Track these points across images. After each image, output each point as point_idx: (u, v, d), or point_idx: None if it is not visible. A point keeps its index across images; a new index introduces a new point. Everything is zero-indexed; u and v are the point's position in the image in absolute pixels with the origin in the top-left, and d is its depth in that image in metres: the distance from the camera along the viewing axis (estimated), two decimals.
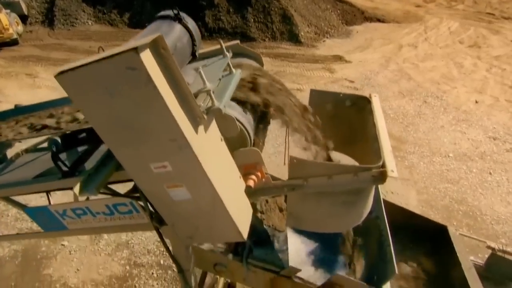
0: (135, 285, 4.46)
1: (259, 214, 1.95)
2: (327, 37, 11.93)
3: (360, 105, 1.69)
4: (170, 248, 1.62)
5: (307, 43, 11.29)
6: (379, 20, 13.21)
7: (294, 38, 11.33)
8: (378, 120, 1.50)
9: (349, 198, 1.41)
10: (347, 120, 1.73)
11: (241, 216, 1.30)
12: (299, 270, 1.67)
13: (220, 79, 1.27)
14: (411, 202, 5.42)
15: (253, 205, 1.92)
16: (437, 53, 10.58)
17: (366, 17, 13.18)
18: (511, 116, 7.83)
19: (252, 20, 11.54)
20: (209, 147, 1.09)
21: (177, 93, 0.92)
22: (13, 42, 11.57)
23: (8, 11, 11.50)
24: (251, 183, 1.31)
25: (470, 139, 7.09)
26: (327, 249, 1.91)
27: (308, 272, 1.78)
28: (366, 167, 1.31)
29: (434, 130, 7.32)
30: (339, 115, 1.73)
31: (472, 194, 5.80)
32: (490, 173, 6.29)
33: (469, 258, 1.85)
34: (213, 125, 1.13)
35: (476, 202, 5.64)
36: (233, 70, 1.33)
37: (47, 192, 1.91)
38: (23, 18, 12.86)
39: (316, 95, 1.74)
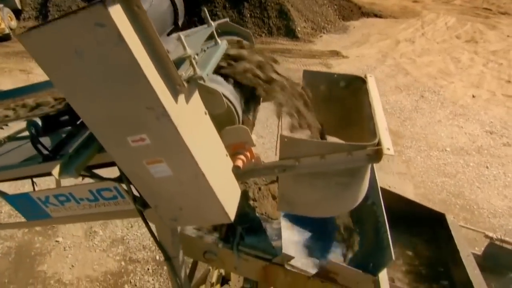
0: (130, 281, 4.41)
1: (251, 202, 1.88)
2: (324, 33, 11.86)
3: (355, 86, 1.62)
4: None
5: (304, 39, 11.22)
6: (376, 16, 13.16)
7: (291, 33, 11.25)
8: (373, 99, 1.44)
9: (343, 180, 1.35)
10: (341, 102, 1.66)
11: (228, 196, 1.22)
12: (292, 258, 1.61)
13: (204, 51, 1.20)
14: (408, 196, 5.37)
15: (245, 193, 1.86)
16: (434, 48, 10.55)
17: (363, 12, 13.12)
18: (507, 110, 7.83)
19: (249, 15, 11.46)
20: (191, 119, 1.02)
21: (153, 57, 0.84)
22: (6, 38, 11.41)
23: (1, 5, 11.33)
24: (239, 163, 1.24)
25: (467, 134, 7.08)
26: (322, 238, 1.83)
27: (302, 261, 1.71)
28: (360, 145, 1.24)
29: (431, 124, 7.30)
30: (333, 97, 1.65)
31: (469, 188, 5.79)
32: (487, 167, 6.29)
33: (467, 246, 1.80)
34: (196, 96, 1.06)
35: (473, 196, 5.63)
36: (219, 40, 1.26)
37: (32, 179, 1.84)
38: (17, 13, 12.69)
39: (309, 76, 1.67)
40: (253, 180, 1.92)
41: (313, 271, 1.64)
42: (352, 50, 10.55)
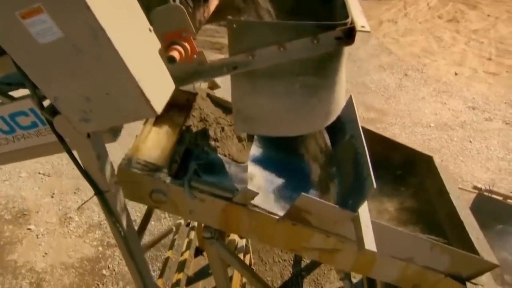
0: (108, 266, 4.26)
1: (212, 142, 1.61)
2: None
3: None
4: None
5: None
6: None
7: None
8: None
9: (310, 80, 1.13)
10: (311, 15, 1.36)
11: (150, 80, 0.93)
12: (256, 194, 1.34)
13: None
14: None
15: (204, 131, 1.59)
16: (416, 28, 10.54)
17: None
18: (489, 86, 7.97)
19: None
20: None
21: None
22: None
23: None
24: (175, 53, 0.96)
25: (451, 109, 7.16)
26: (296, 184, 1.60)
27: (270, 203, 1.47)
28: (328, 24, 1.03)
29: (415, 101, 7.34)
30: (302, 10, 1.41)
31: (454, 162, 5.86)
32: (470, 141, 6.40)
33: (457, 188, 1.69)
34: None
35: (457, 169, 5.70)
36: None
37: None
38: None
39: None
40: (214, 118, 1.66)
41: (282, 213, 1.41)
42: None
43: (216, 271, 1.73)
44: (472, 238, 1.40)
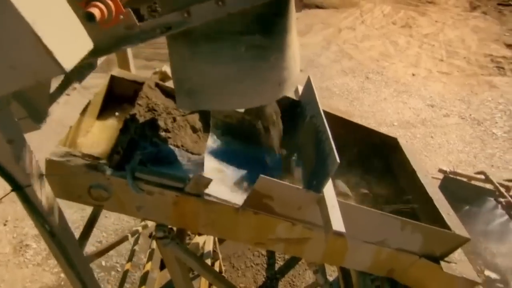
0: None
1: (162, 133, 1.44)
2: None
3: None
4: None
5: None
6: (317, 7, 13.52)
7: None
8: None
9: (256, 41, 1.01)
10: None
11: (54, 28, 0.74)
12: (210, 180, 1.18)
13: None
14: None
15: (153, 121, 1.42)
16: (373, 34, 11.06)
17: (305, 4, 13.39)
18: (443, 85, 8.46)
19: None
20: None
21: None
22: None
23: None
24: (94, 10, 0.83)
25: (412, 108, 7.49)
26: (257, 175, 1.49)
27: (231, 197, 1.30)
28: None
29: (378, 102, 7.61)
30: None
31: (418, 157, 6.05)
32: (432, 137, 6.68)
33: (424, 167, 1.67)
34: None
35: (422, 164, 5.88)
36: None
37: None
38: None
39: None
40: (164, 108, 1.50)
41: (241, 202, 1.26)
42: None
43: (176, 278, 1.55)
44: (443, 214, 1.36)
